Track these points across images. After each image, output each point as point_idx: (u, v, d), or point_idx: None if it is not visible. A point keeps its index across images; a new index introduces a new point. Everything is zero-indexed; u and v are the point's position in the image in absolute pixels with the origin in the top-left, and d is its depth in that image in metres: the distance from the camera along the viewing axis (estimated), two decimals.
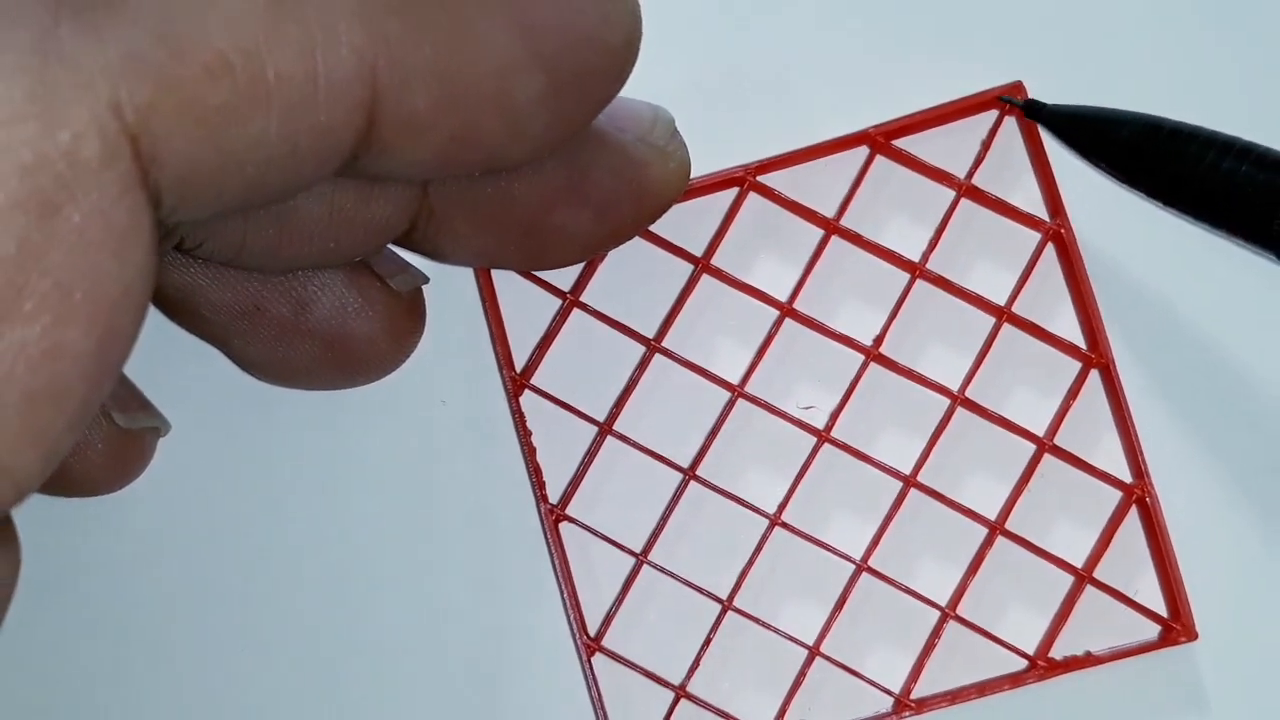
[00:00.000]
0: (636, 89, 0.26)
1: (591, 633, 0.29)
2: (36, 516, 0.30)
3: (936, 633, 0.29)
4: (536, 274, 0.29)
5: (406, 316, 0.28)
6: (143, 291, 0.18)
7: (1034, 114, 0.29)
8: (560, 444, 0.29)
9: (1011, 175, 0.30)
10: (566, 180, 0.25)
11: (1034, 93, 0.29)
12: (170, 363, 0.30)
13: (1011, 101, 0.29)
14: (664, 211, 0.27)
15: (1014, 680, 0.29)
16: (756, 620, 0.29)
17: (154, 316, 0.27)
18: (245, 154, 0.18)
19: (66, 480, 0.28)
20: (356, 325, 0.27)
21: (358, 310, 0.27)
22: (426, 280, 0.28)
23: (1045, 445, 0.29)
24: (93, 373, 0.17)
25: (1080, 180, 0.29)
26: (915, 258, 0.29)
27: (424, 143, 0.20)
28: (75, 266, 0.17)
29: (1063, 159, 0.29)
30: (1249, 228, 0.27)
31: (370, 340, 0.27)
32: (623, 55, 0.22)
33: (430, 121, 0.20)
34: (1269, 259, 0.27)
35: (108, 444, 0.28)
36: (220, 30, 0.17)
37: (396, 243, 0.25)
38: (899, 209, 0.30)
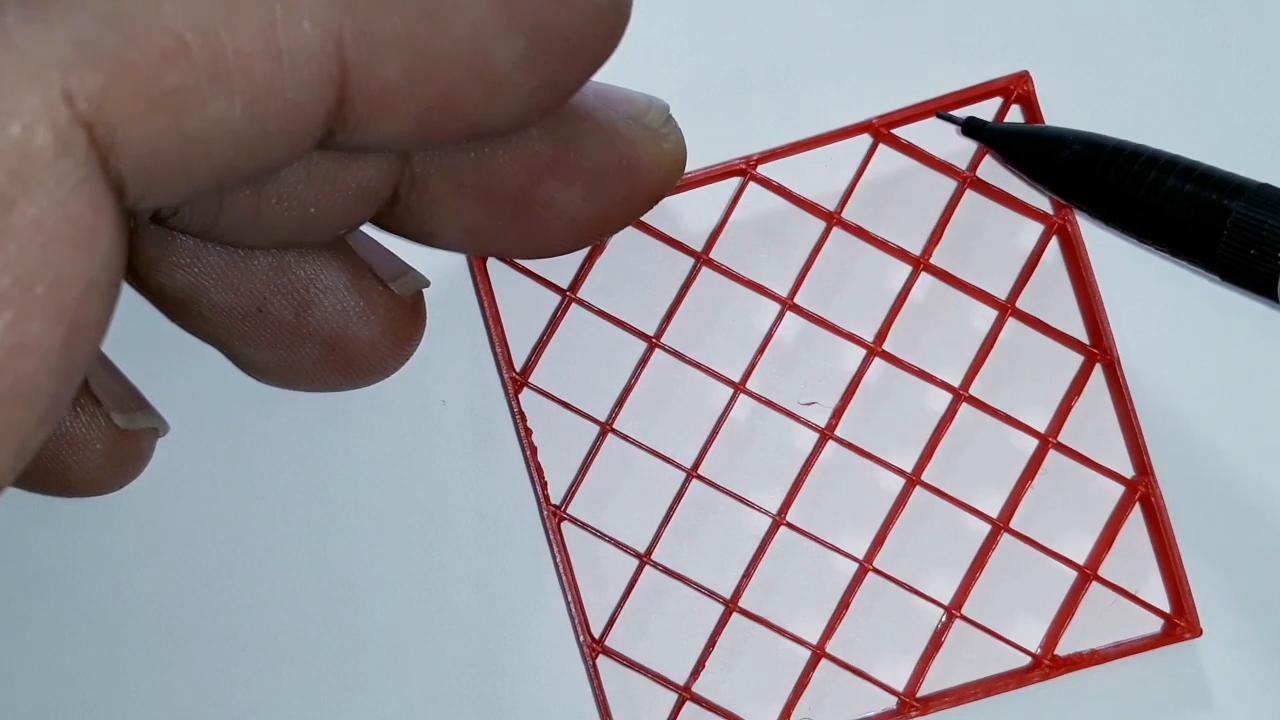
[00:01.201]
0: (637, 81, 0.26)
1: (595, 634, 0.29)
2: (36, 517, 0.30)
3: (941, 632, 0.29)
4: (535, 271, 0.29)
5: (408, 320, 0.28)
6: (109, 282, 0.17)
7: (973, 133, 0.29)
8: (562, 443, 0.29)
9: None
10: (553, 150, 0.24)
11: (1041, 83, 0.29)
12: (169, 362, 0.30)
13: (951, 119, 0.29)
14: (659, 197, 0.27)
15: (1019, 678, 0.28)
16: (760, 621, 0.29)
17: (152, 316, 0.27)
18: (211, 136, 0.18)
19: (65, 480, 0.28)
20: (358, 329, 0.27)
21: (359, 313, 0.26)
22: (428, 284, 0.28)
23: (1049, 441, 0.29)
24: (61, 367, 0.17)
25: None
26: (918, 251, 0.29)
27: (400, 114, 0.20)
28: (35, 261, 0.16)
29: None
30: (1193, 248, 0.26)
31: (371, 344, 0.27)
32: (610, 16, 0.21)
33: (405, 92, 0.19)
34: (1213, 280, 0.26)
35: (106, 444, 0.28)
36: (174, 9, 0.17)
37: (381, 218, 0.25)
38: (902, 201, 0.30)
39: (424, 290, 0.28)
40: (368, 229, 0.27)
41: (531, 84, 0.20)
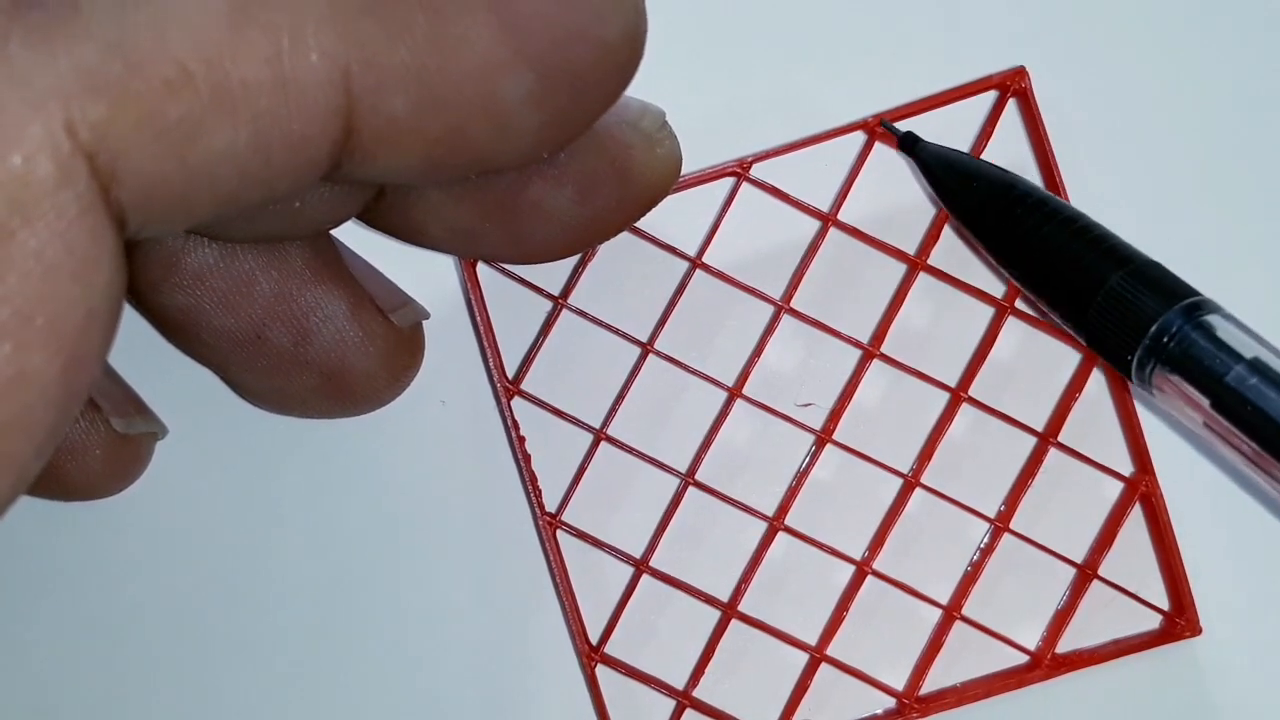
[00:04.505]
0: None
1: (593, 641, 0.29)
2: (35, 519, 0.30)
3: (941, 632, 0.29)
4: (526, 277, 0.29)
5: (406, 352, 0.27)
6: (108, 312, 0.17)
7: (907, 148, 0.28)
8: (557, 450, 0.29)
9: (1013, 163, 0.29)
10: None
11: (1037, 76, 0.28)
12: (167, 366, 0.29)
13: (892, 129, 0.28)
14: (651, 204, 0.26)
15: (1018, 678, 0.28)
16: (759, 625, 0.29)
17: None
18: (214, 167, 0.18)
19: (65, 484, 0.28)
20: (355, 359, 0.26)
21: (357, 344, 0.26)
22: (428, 316, 0.28)
23: (1049, 440, 0.29)
24: (59, 399, 0.17)
25: (1085, 166, 0.29)
26: (914, 250, 0.29)
27: (406, 147, 0.19)
28: (35, 292, 0.16)
29: (1066, 144, 0.28)
30: (1066, 309, 0.26)
31: (368, 375, 0.27)
32: (622, 52, 0.21)
33: (412, 125, 0.19)
34: (1080, 341, 0.27)
35: (105, 449, 0.28)
36: (179, 39, 0.17)
37: (368, 214, 0.25)
38: (898, 200, 0.29)
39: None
40: (369, 255, 0.27)
41: (540, 120, 0.20)
